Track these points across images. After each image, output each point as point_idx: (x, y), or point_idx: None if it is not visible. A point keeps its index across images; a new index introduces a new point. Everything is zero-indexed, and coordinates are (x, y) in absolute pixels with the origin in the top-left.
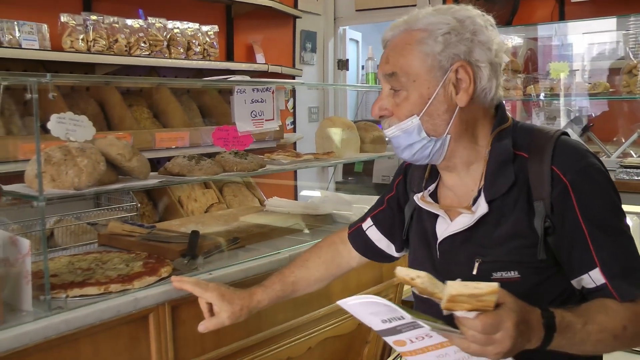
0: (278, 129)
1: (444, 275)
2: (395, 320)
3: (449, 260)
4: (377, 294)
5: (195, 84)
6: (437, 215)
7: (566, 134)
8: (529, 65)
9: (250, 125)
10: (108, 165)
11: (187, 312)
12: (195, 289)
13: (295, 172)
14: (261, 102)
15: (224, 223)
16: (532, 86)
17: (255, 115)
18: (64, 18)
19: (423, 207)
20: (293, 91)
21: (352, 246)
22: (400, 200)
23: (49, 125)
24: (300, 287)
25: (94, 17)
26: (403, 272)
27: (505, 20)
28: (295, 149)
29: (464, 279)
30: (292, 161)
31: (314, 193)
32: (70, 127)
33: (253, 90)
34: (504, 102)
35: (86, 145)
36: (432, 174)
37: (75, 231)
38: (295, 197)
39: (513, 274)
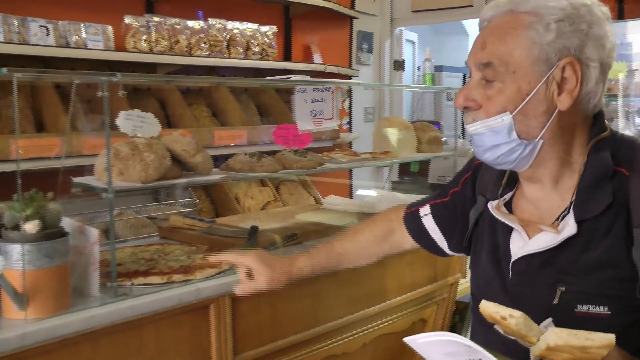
0: (337, 128)
1: (516, 300)
2: None
3: (524, 283)
4: (432, 293)
5: (255, 83)
6: (511, 229)
7: None
8: None
9: (310, 124)
10: (172, 161)
11: (247, 304)
12: (232, 256)
13: (351, 171)
14: (321, 101)
15: (281, 220)
16: None
17: (315, 115)
18: (127, 20)
19: (498, 217)
20: (349, 91)
21: (406, 228)
22: (465, 200)
23: (118, 121)
24: (346, 259)
25: (156, 19)
26: (491, 308)
27: None
28: (350, 148)
29: (542, 307)
30: (350, 160)
31: (369, 192)
32: (137, 123)
33: (313, 89)
34: (604, 110)
35: (152, 141)
36: (509, 180)
37: (135, 224)
38: (350, 196)
39: (602, 309)
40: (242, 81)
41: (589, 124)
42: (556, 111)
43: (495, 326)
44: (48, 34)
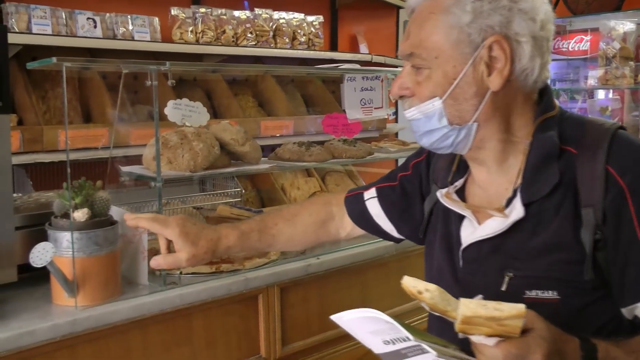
0: (387, 117)
1: (466, 288)
2: (400, 342)
3: (474, 271)
4: None
5: (303, 71)
6: (463, 216)
7: (623, 128)
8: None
9: (359, 113)
10: (221, 150)
11: (295, 294)
12: (153, 225)
13: (397, 161)
14: (370, 90)
15: None
16: None
17: (365, 103)
18: (174, 11)
19: (447, 205)
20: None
21: (347, 211)
22: (415, 186)
23: (166, 110)
24: (279, 242)
25: (202, 10)
26: (410, 282)
27: (615, 5)
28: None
29: (491, 294)
30: (400, 149)
31: None
32: (185, 112)
33: (363, 78)
34: (550, 84)
35: (201, 130)
36: (460, 166)
37: (181, 214)
38: None
39: (551, 293)
40: (290, 69)
41: (532, 101)
42: (489, 92)
43: (422, 303)
44: (95, 26)
